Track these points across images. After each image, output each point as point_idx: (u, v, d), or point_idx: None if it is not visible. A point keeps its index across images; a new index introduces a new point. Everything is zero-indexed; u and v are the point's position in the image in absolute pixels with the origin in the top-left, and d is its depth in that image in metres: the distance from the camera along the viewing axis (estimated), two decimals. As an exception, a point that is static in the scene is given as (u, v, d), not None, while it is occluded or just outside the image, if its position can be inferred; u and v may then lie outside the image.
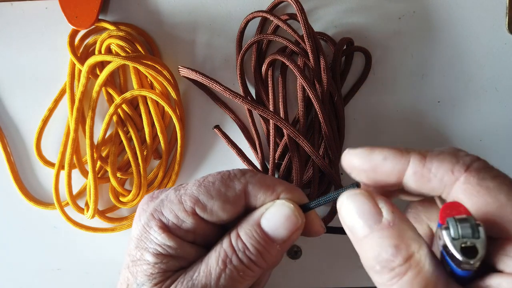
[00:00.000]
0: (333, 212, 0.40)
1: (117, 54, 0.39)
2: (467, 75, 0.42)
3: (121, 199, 0.42)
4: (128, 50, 0.41)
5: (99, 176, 0.41)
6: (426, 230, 0.28)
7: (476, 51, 0.42)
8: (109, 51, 0.41)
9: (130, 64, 0.38)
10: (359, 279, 0.42)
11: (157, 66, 0.40)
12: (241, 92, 0.41)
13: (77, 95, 0.40)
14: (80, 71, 0.41)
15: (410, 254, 0.21)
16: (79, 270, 0.43)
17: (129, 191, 0.41)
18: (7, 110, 0.43)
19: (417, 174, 0.23)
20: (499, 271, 0.21)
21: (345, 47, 0.41)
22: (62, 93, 0.42)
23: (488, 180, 0.21)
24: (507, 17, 0.42)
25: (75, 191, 0.42)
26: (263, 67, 0.40)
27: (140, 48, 0.41)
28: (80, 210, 0.41)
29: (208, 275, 0.26)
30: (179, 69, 0.39)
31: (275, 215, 0.27)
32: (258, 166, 0.41)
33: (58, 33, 0.42)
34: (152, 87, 0.42)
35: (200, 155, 0.43)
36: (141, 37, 0.42)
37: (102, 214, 0.42)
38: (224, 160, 0.42)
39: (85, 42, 0.42)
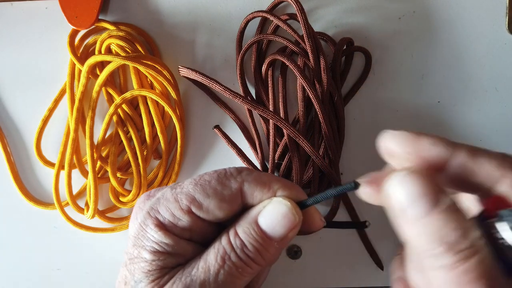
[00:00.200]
0: (334, 211, 0.40)
1: (117, 54, 0.39)
2: (467, 75, 0.42)
3: (121, 199, 0.42)
4: (128, 50, 0.41)
5: (99, 176, 0.41)
6: None
7: (476, 51, 0.42)
8: (109, 51, 0.41)
9: (130, 64, 0.38)
10: (359, 279, 0.42)
11: (157, 66, 0.40)
12: (241, 92, 0.41)
13: (77, 95, 0.40)
14: (80, 71, 0.41)
15: (475, 239, 0.21)
16: (79, 270, 0.43)
17: (129, 191, 0.41)
18: (7, 110, 0.43)
19: (464, 166, 0.23)
20: None
21: (345, 47, 0.41)
22: (62, 93, 0.42)
23: None
24: (507, 17, 0.42)
25: (75, 191, 0.42)
26: (263, 67, 0.40)
27: (140, 48, 0.41)
28: (80, 210, 0.41)
29: (206, 271, 0.26)
30: (179, 69, 0.39)
31: (272, 213, 0.27)
32: (258, 166, 0.41)
33: (58, 33, 0.42)
34: (152, 87, 0.42)
35: (200, 155, 0.43)
36: (141, 37, 0.42)
37: (102, 214, 0.42)
38: (224, 160, 0.42)
39: (85, 42, 0.42)
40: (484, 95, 0.42)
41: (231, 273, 0.26)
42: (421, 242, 0.22)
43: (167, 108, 0.40)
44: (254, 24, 0.42)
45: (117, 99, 0.40)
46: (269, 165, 0.40)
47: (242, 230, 0.27)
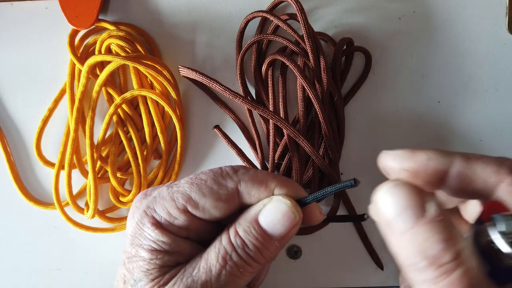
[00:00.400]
0: (334, 211, 0.40)
1: (117, 54, 0.39)
2: (467, 75, 0.42)
3: (121, 199, 0.42)
4: (128, 50, 0.41)
5: (99, 176, 0.41)
6: None
7: (476, 51, 0.42)
8: (109, 51, 0.41)
9: (130, 64, 0.38)
10: (359, 279, 0.42)
11: (157, 66, 0.40)
12: (241, 92, 0.41)
13: (77, 95, 0.40)
14: (80, 71, 0.41)
15: (459, 251, 0.20)
16: (79, 270, 0.43)
17: (129, 191, 0.41)
18: (7, 110, 0.43)
19: (461, 175, 0.23)
20: None
21: (345, 47, 0.41)
22: (62, 93, 0.42)
23: None
24: (507, 17, 0.42)
25: (75, 191, 0.42)
26: (263, 67, 0.40)
27: (140, 48, 0.41)
28: (80, 210, 0.41)
29: (208, 272, 0.26)
30: (179, 69, 0.39)
31: (272, 212, 0.27)
32: (258, 166, 0.41)
33: (58, 33, 0.42)
34: (152, 87, 0.42)
35: (200, 155, 0.43)
36: (141, 37, 0.42)
37: (102, 214, 0.42)
38: (224, 160, 0.42)
39: (85, 42, 0.42)
40: (484, 95, 0.42)
41: (232, 273, 0.26)
42: (406, 255, 0.21)
43: (167, 108, 0.40)
44: (254, 24, 0.42)
45: (117, 99, 0.40)
46: (269, 165, 0.40)
47: (243, 229, 0.27)
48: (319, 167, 0.38)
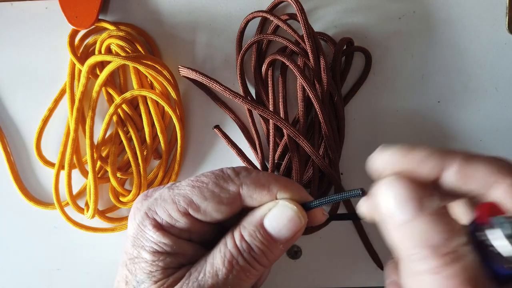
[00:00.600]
0: (334, 210, 0.40)
1: (117, 54, 0.39)
2: (467, 75, 0.42)
3: (121, 199, 0.42)
4: (128, 50, 0.41)
5: (99, 176, 0.41)
6: None
7: (476, 51, 0.42)
8: (109, 51, 0.41)
9: (130, 64, 0.38)
10: (359, 279, 0.42)
11: (157, 66, 0.40)
12: (241, 92, 0.41)
13: (77, 95, 0.40)
14: (80, 71, 0.41)
15: (461, 244, 0.20)
16: (79, 270, 0.43)
17: (129, 191, 0.41)
18: (7, 110, 0.43)
19: (459, 173, 0.23)
20: None
21: (345, 47, 0.41)
22: (62, 93, 0.42)
23: None
24: (507, 17, 0.42)
25: (75, 191, 0.42)
26: (263, 67, 0.40)
27: (140, 48, 0.41)
28: (80, 210, 0.41)
29: (214, 276, 0.26)
30: (179, 69, 0.39)
31: (278, 216, 0.27)
32: (258, 166, 0.41)
33: (58, 33, 0.42)
34: (152, 87, 0.42)
35: (200, 155, 0.43)
36: (141, 37, 0.42)
37: (102, 214, 0.42)
38: (224, 160, 0.42)
39: (85, 42, 0.42)
40: (484, 95, 0.42)
41: (239, 277, 0.26)
42: (407, 246, 0.22)
43: (167, 108, 0.40)
44: (254, 24, 0.42)
45: (117, 99, 0.40)
46: (269, 165, 0.40)
47: (248, 233, 0.27)
48: (319, 167, 0.38)
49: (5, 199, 0.43)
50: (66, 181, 0.40)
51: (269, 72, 0.40)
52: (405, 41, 0.42)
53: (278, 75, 0.41)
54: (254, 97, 0.42)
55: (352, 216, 0.40)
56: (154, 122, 0.41)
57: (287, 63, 0.38)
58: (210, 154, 0.43)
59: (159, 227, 0.27)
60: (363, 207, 0.26)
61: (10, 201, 0.43)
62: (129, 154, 0.41)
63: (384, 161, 0.24)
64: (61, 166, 0.41)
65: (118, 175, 0.41)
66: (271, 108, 0.40)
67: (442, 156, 0.23)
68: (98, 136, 0.41)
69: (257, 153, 0.41)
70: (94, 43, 0.42)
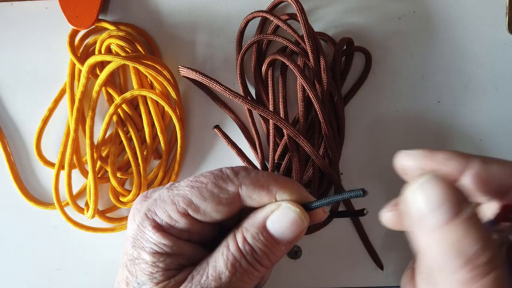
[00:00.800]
0: (334, 208, 0.40)
1: (117, 54, 0.39)
2: (467, 75, 0.42)
3: (121, 199, 0.42)
4: (128, 50, 0.41)
5: (99, 176, 0.41)
6: None
7: (476, 51, 0.42)
8: (109, 51, 0.41)
9: (130, 64, 0.38)
10: (359, 279, 0.42)
11: (157, 66, 0.40)
12: (241, 92, 0.41)
13: (77, 95, 0.40)
14: (80, 71, 0.41)
15: (496, 253, 0.19)
16: (79, 270, 0.43)
17: (129, 191, 0.41)
18: (7, 110, 0.43)
19: (478, 176, 0.23)
20: None
21: (345, 47, 0.41)
22: (62, 93, 0.42)
23: None
24: (507, 17, 0.42)
25: (75, 191, 0.42)
26: (263, 67, 0.40)
27: (140, 48, 0.41)
28: (80, 210, 0.41)
29: (217, 279, 0.26)
30: (179, 69, 0.39)
31: (281, 218, 0.27)
32: (258, 166, 0.41)
33: (58, 33, 0.42)
34: (152, 87, 0.42)
35: (200, 155, 0.43)
36: (141, 37, 0.42)
37: (102, 214, 0.42)
38: (224, 160, 0.42)
39: (85, 42, 0.42)
40: (484, 95, 0.42)
41: (242, 279, 0.26)
42: (438, 253, 0.20)
43: (167, 108, 0.40)
44: (254, 24, 0.42)
45: (117, 99, 0.40)
46: (269, 165, 0.40)
47: (251, 236, 0.27)
48: (319, 167, 0.38)
49: (5, 199, 0.43)
50: (66, 181, 0.40)
51: (269, 72, 0.40)
52: (405, 41, 0.42)
53: (278, 75, 0.41)
54: (254, 97, 0.42)
55: (353, 213, 0.40)
56: (154, 122, 0.41)
57: (287, 63, 0.38)
58: (210, 154, 0.43)
59: (159, 228, 0.27)
60: (387, 214, 0.26)
61: (10, 201, 0.43)
62: (129, 154, 0.41)
63: (410, 160, 0.24)
64: (61, 166, 0.41)
65: (118, 175, 0.41)
66: (271, 108, 0.40)
67: (461, 159, 0.23)
68: (98, 136, 0.41)
69: (257, 153, 0.41)
70: (94, 43, 0.42)
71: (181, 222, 0.27)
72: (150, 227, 0.27)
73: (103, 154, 0.42)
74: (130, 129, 0.41)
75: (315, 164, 0.39)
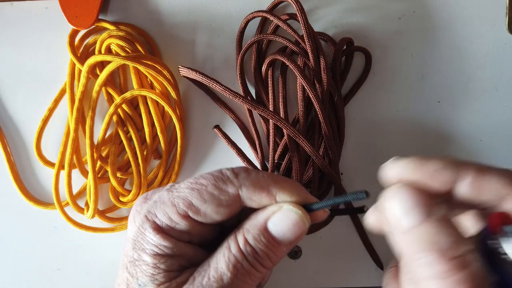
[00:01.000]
0: (334, 207, 0.40)
1: (117, 54, 0.39)
2: (467, 75, 0.42)
3: (121, 199, 0.42)
4: (128, 50, 0.41)
5: (99, 176, 0.41)
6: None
7: (476, 51, 0.42)
8: (109, 51, 0.41)
9: (130, 64, 0.38)
10: (359, 279, 0.42)
11: (157, 66, 0.40)
12: (241, 92, 0.41)
13: (77, 95, 0.40)
14: (80, 71, 0.41)
15: (469, 250, 0.21)
16: (79, 270, 0.43)
17: (129, 191, 0.41)
18: (7, 110, 0.43)
19: (473, 185, 0.23)
20: None
21: (345, 47, 0.41)
22: (62, 93, 0.42)
23: None
24: (507, 17, 0.42)
25: (75, 191, 0.42)
26: (263, 67, 0.40)
27: (140, 48, 0.41)
28: (80, 210, 0.41)
29: (219, 281, 0.26)
30: (179, 69, 0.39)
31: (282, 220, 0.27)
32: (258, 166, 0.41)
33: (58, 33, 0.42)
34: (152, 87, 0.42)
35: (200, 155, 0.43)
36: (141, 37, 0.42)
37: (102, 214, 0.42)
38: (224, 160, 0.42)
39: (85, 42, 0.42)
40: (484, 95, 0.42)
41: (244, 281, 0.26)
42: (414, 250, 0.22)
43: (167, 108, 0.40)
44: (254, 24, 0.42)
45: (117, 99, 0.40)
46: (269, 165, 0.40)
47: (252, 237, 0.27)
48: (319, 167, 0.38)
49: (5, 199, 0.43)
50: (66, 181, 0.40)
51: (269, 72, 0.40)
52: (405, 41, 0.42)
53: (278, 75, 0.41)
54: (254, 97, 0.42)
55: (353, 210, 0.40)
56: (154, 122, 0.41)
57: (287, 63, 0.38)
58: (210, 154, 0.43)
59: (159, 230, 0.27)
60: (371, 218, 0.26)
61: (10, 201, 0.43)
62: (129, 154, 0.41)
63: (396, 172, 0.25)
64: (61, 166, 0.41)
65: (118, 175, 0.41)
66: (271, 108, 0.40)
67: (455, 168, 0.23)
68: (98, 136, 0.41)
69: (257, 153, 0.41)
70: (94, 43, 0.42)
71: (181, 224, 0.27)
72: (150, 229, 0.27)
73: (103, 154, 0.42)
74: (130, 129, 0.41)
75: (315, 164, 0.39)
